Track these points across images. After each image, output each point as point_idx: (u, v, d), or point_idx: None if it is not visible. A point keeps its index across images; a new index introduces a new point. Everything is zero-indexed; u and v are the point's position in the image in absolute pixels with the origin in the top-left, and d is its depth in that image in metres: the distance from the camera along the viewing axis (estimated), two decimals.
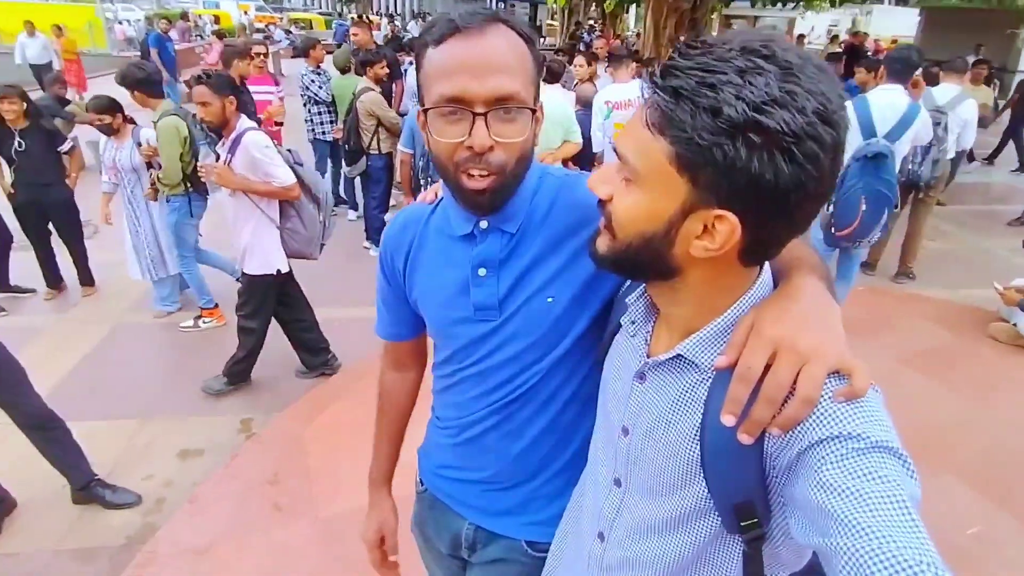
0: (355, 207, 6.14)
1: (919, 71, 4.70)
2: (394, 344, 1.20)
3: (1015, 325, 3.99)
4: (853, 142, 3.32)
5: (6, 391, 2.36)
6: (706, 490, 0.71)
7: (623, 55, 4.40)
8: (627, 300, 0.85)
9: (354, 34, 6.14)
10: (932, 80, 5.33)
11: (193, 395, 3.36)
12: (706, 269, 0.68)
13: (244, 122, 3.00)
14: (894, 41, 20.41)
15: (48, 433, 2.47)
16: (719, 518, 0.72)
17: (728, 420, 0.65)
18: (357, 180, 5.58)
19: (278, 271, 3.13)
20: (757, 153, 0.56)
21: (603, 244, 0.74)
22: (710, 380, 0.71)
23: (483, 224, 0.95)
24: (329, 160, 6.17)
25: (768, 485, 0.66)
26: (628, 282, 0.89)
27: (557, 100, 3.76)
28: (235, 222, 3.08)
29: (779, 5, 12.69)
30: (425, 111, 0.85)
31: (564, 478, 1.05)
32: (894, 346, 3.96)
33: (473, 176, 0.84)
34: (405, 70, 6.28)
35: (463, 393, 1.06)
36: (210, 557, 2.38)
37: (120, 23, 20.35)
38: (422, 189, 3.83)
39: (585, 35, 16.59)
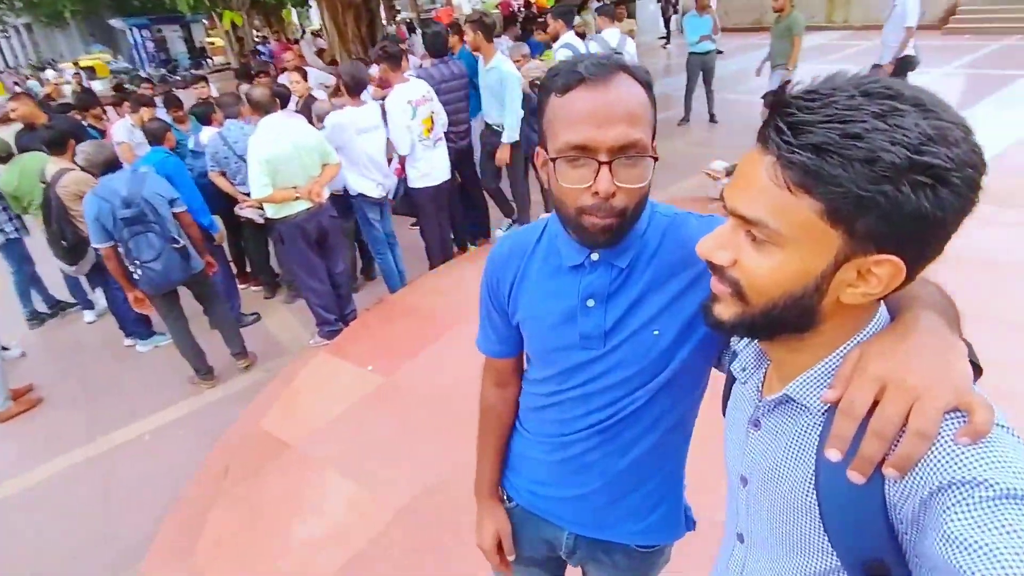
0: (90, 306, 5.22)
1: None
2: (497, 361, 1.22)
3: None
4: None
5: None
6: (829, 546, 0.68)
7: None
8: (736, 348, 0.84)
9: (12, 110, 5.05)
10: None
11: None
12: (848, 313, 0.66)
13: None
14: None
15: None
16: None
17: (833, 455, 0.62)
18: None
19: None
20: (924, 191, 0.55)
21: (728, 311, 0.70)
22: (822, 424, 0.68)
23: (594, 256, 0.98)
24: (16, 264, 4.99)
25: (900, 543, 0.61)
26: None
27: (301, 128, 3.67)
28: None
29: None
30: (552, 159, 0.89)
31: (661, 492, 1.13)
32: None
33: (595, 217, 0.88)
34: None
35: (564, 412, 1.09)
36: None
37: None
38: (135, 275, 3.53)
39: (261, 47, 15.69)
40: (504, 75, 4.44)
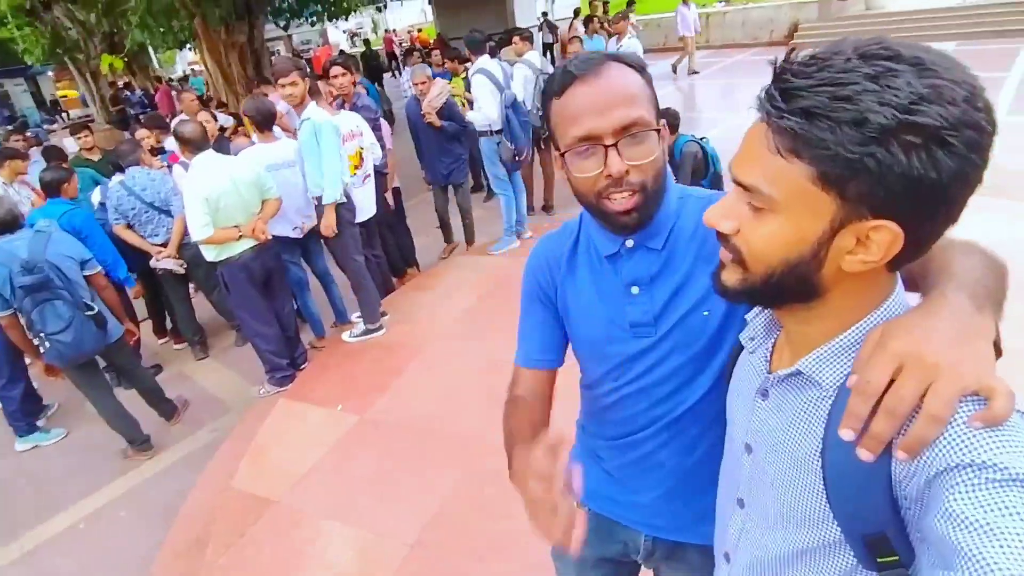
0: None
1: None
2: (535, 373, 1.14)
3: None
4: (498, 97, 4.72)
5: None
6: (832, 518, 0.67)
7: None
8: (746, 316, 0.84)
9: None
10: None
11: None
12: (854, 282, 0.65)
13: None
14: (419, 30, 23.42)
15: None
16: (851, 552, 0.67)
17: (846, 434, 0.61)
18: None
19: None
20: (915, 152, 0.54)
21: (732, 278, 0.71)
22: (832, 398, 0.67)
23: (629, 243, 1.00)
24: None
25: (903, 518, 0.61)
26: None
27: (237, 164, 3.45)
28: None
29: (308, 21, 13.27)
30: (562, 154, 0.93)
31: None
32: None
33: (615, 200, 0.91)
34: None
35: (626, 410, 1.08)
36: None
37: None
38: (41, 348, 3.14)
39: (130, 95, 14.62)
40: (315, 126, 3.59)
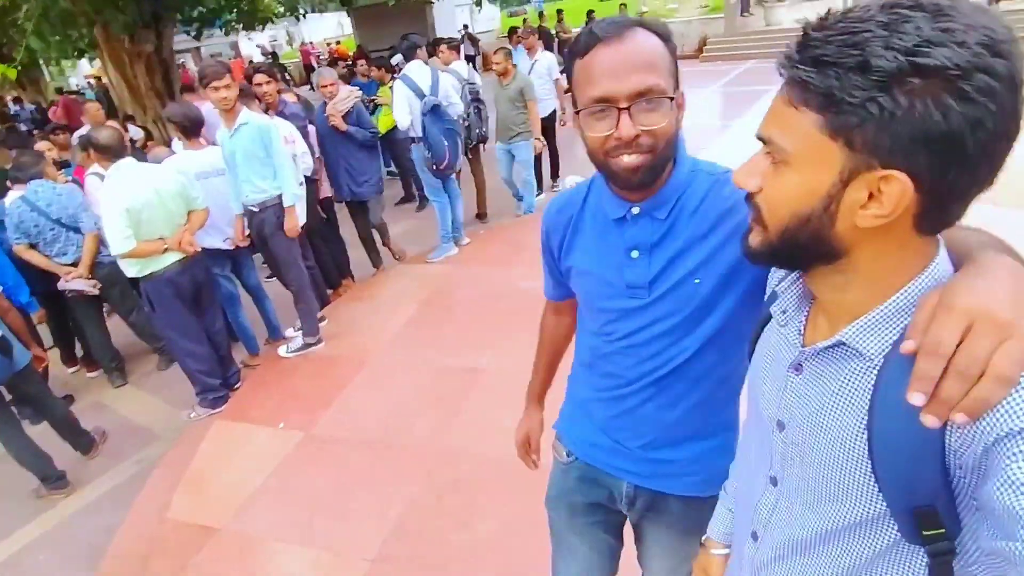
0: None
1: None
2: (554, 304, 1.41)
3: None
4: (416, 105, 4.59)
5: None
6: (877, 492, 0.65)
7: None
8: (777, 288, 0.81)
9: None
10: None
11: None
12: (879, 243, 0.63)
13: None
14: (338, 43, 23.02)
15: None
16: (894, 526, 0.65)
17: (917, 399, 0.57)
18: None
19: None
20: (920, 98, 0.52)
21: (755, 239, 0.71)
22: (877, 368, 0.65)
23: (635, 210, 1.05)
24: None
25: (955, 489, 0.59)
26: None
27: (160, 173, 3.23)
28: None
29: (221, 30, 12.71)
30: (577, 112, 0.98)
31: (715, 444, 1.17)
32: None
33: (623, 159, 0.95)
34: None
35: (615, 365, 1.15)
36: None
37: None
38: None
39: (20, 110, 13.47)
40: (260, 128, 3.50)
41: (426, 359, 3.73)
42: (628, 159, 0.95)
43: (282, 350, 4.03)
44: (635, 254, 1.06)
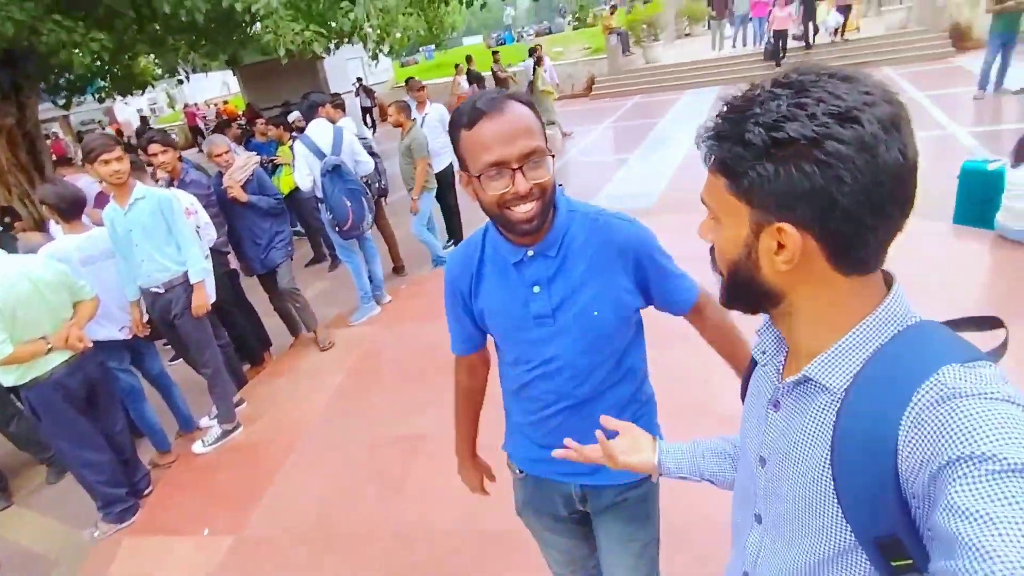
0: None
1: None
2: (467, 357, 1.49)
3: None
4: (314, 165, 4.48)
5: None
6: (846, 523, 0.68)
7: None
8: (758, 330, 0.87)
9: None
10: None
11: None
12: (808, 285, 0.70)
13: None
14: (225, 102, 22.25)
15: None
16: (865, 557, 0.68)
17: None
18: None
19: None
20: (784, 166, 0.62)
21: (718, 284, 0.80)
22: (839, 403, 0.69)
23: (530, 252, 1.24)
24: None
25: (915, 519, 0.62)
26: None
27: (34, 262, 2.86)
28: None
29: (93, 97, 11.88)
30: (475, 176, 1.13)
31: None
32: None
33: (518, 210, 1.13)
34: None
35: (538, 388, 1.33)
36: None
37: None
38: None
39: None
40: (161, 201, 3.29)
41: (360, 432, 3.50)
42: (523, 208, 1.13)
43: (197, 445, 3.64)
44: (536, 289, 1.25)
